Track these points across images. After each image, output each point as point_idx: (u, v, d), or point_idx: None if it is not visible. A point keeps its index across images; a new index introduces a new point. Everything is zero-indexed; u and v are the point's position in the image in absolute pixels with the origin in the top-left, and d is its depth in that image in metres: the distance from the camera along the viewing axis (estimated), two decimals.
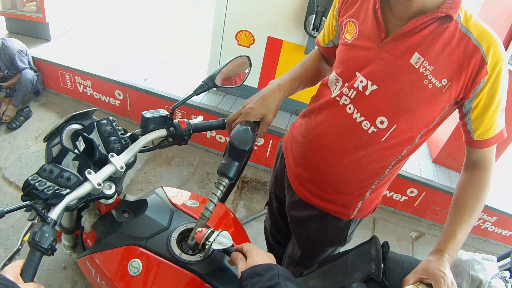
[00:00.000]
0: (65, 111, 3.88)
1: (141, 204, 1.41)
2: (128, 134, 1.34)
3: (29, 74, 3.68)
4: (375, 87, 1.09)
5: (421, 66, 1.03)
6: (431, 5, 1.00)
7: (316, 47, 1.48)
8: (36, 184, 1.05)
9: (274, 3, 2.69)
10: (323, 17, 2.45)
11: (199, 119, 1.48)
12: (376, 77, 1.09)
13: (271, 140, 3.06)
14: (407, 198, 2.95)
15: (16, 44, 3.63)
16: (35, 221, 1.01)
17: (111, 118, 1.31)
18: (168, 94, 3.29)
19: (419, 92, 1.05)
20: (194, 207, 1.43)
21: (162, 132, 1.33)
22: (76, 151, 1.22)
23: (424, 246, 3.05)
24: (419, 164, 3.02)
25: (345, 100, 1.16)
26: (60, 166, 1.13)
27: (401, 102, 1.07)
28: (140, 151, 1.29)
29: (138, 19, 5.20)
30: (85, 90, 3.72)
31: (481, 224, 3.08)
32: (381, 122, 1.11)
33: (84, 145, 1.24)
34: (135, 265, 1.20)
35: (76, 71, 3.63)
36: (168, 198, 1.46)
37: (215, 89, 3.25)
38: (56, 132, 1.25)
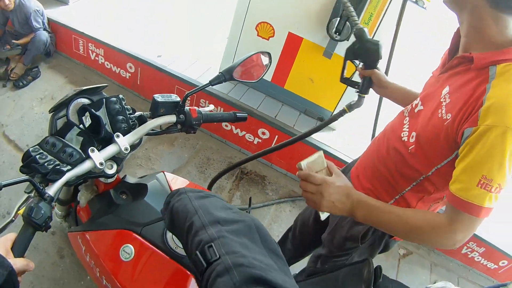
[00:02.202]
0: (74, 76, 3.86)
1: (141, 188, 1.40)
2: (136, 114, 1.31)
3: (43, 35, 3.64)
4: (421, 107, 1.21)
5: (444, 97, 1.09)
6: (478, 47, 1.04)
7: None
8: (37, 156, 1.03)
9: (300, 1, 2.64)
10: (347, 22, 2.39)
11: (210, 108, 1.46)
12: (424, 99, 1.22)
13: (277, 136, 3.03)
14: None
15: (33, 3, 3.59)
16: (32, 195, 1.00)
17: (121, 96, 1.28)
18: (180, 74, 3.23)
19: (432, 120, 1.10)
20: None
21: (172, 118, 1.30)
22: (81, 126, 1.20)
23: (410, 265, 3.04)
24: None
25: (405, 113, 1.31)
26: (63, 140, 1.10)
27: (425, 124, 1.13)
28: (147, 134, 1.27)
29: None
30: (97, 58, 3.68)
31: (469, 252, 3.07)
32: (412, 137, 1.18)
33: (90, 121, 1.22)
34: (127, 251, 1.19)
35: (90, 38, 3.59)
36: (169, 186, 1.44)
37: None
38: (63, 104, 1.22)
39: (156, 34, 3.94)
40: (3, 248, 0.84)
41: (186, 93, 1.25)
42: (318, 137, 2.96)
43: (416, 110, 1.23)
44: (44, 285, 2.25)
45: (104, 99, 1.25)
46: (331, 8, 2.51)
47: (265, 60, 1.41)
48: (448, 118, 1.02)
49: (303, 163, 1.14)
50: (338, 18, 2.46)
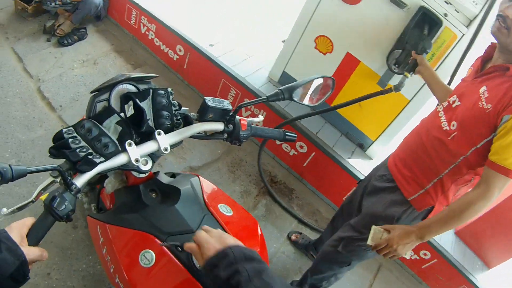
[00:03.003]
0: (121, 45, 3.80)
1: (173, 192, 1.31)
2: (182, 110, 1.23)
3: None
4: (459, 103, 1.55)
5: (483, 93, 1.43)
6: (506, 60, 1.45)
7: None
8: (70, 140, 0.97)
9: (366, 23, 2.53)
10: (407, 56, 2.30)
11: (260, 119, 1.38)
12: (461, 97, 1.56)
13: (314, 153, 2.96)
14: (418, 257, 2.86)
15: None
16: (58, 180, 0.92)
17: (169, 89, 1.21)
18: (229, 68, 3.15)
19: (473, 110, 1.43)
20: (227, 216, 1.35)
21: (219, 126, 1.23)
22: (122, 114, 1.13)
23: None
24: None
25: (439, 108, 1.67)
26: (100, 127, 1.04)
27: (466, 114, 1.46)
28: (190, 137, 1.20)
29: None
30: (147, 33, 3.62)
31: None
32: (453, 125, 1.52)
33: (133, 112, 1.14)
34: (148, 257, 1.14)
35: (144, 11, 3.52)
36: (202, 195, 1.37)
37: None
38: (107, 87, 1.15)
39: (213, 22, 3.83)
40: (18, 234, 0.80)
41: (240, 104, 1.19)
42: (355, 165, 2.88)
43: (453, 105, 1.57)
44: (51, 251, 2.23)
45: (151, 90, 1.17)
46: (395, 38, 2.43)
47: (328, 85, 1.36)
48: (489, 107, 1.37)
49: (369, 242, 1.54)
50: (401, 51, 2.36)
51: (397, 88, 2.22)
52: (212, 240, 0.89)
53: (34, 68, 3.29)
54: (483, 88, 1.44)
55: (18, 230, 0.80)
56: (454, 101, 1.58)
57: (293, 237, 2.78)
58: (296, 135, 1.41)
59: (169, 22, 3.41)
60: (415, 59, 2.07)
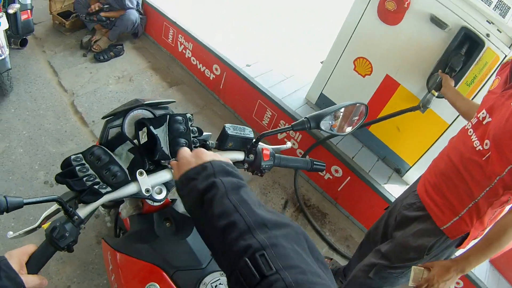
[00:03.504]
0: (157, 63, 3.82)
1: (188, 222, 1.24)
2: (204, 135, 1.17)
3: (133, 15, 3.63)
4: (490, 119, 1.44)
5: None
6: None
7: None
8: (77, 168, 0.94)
9: (406, 44, 2.49)
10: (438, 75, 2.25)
11: (287, 146, 1.32)
12: (491, 112, 1.46)
13: (349, 177, 2.90)
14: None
15: None
16: (61, 210, 0.90)
17: (188, 115, 1.16)
18: (265, 89, 3.13)
19: (507, 125, 1.33)
20: None
21: (240, 156, 1.16)
22: (135, 141, 1.10)
23: None
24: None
25: (469, 125, 1.56)
26: (111, 154, 1.02)
27: (499, 130, 1.36)
28: None
29: (267, 8, 4.90)
30: (184, 51, 3.64)
31: None
32: (486, 144, 1.41)
33: (146, 139, 1.09)
34: None
35: (182, 30, 3.55)
36: None
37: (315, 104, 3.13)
38: (121, 112, 1.12)
39: (250, 42, 3.85)
40: (18, 262, 0.79)
41: (262, 133, 1.10)
42: (391, 191, 2.82)
43: (484, 122, 1.47)
44: (74, 264, 2.23)
45: (168, 116, 1.12)
46: (436, 60, 2.36)
47: (360, 113, 1.21)
48: None
49: (411, 284, 1.54)
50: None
51: (424, 105, 2.22)
52: (193, 155, 0.83)
53: (69, 82, 3.34)
54: None
55: (18, 258, 0.80)
56: (484, 117, 1.48)
57: None
58: (324, 164, 1.31)
59: (206, 41, 3.43)
60: (441, 78, 2.11)
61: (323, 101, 3.09)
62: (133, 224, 1.28)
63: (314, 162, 1.27)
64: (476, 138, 1.47)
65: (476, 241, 1.50)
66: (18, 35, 3.15)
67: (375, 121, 2.54)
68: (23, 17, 3.02)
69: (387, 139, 2.95)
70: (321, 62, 3.09)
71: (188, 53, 3.61)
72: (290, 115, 2.99)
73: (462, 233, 1.57)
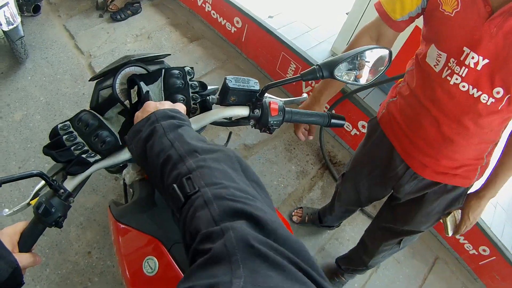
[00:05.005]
0: (177, 19, 3.72)
1: None
2: (209, 90, 1.07)
3: None
4: (486, 61, 1.08)
5: None
6: None
7: (375, 21, 1.31)
8: (65, 137, 0.88)
9: None
10: None
11: (302, 98, 1.20)
12: (487, 52, 1.07)
13: None
14: (476, 253, 2.60)
15: None
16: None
17: (187, 68, 1.05)
18: (289, 41, 2.94)
19: None
20: None
21: (244, 111, 1.03)
22: (127, 102, 1.01)
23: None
24: (503, 227, 2.63)
25: (456, 79, 1.15)
26: (100, 118, 0.95)
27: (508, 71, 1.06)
28: (211, 123, 1.04)
29: None
30: (204, 5, 3.52)
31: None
32: (498, 93, 1.11)
33: (137, 98, 0.98)
34: (151, 264, 1.03)
35: None
36: None
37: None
38: (110, 71, 1.03)
39: None
40: (10, 241, 0.78)
41: (268, 84, 0.94)
42: None
43: (479, 67, 1.10)
44: (94, 230, 2.22)
45: (163, 70, 1.02)
46: None
47: (381, 59, 0.99)
48: None
49: (450, 233, 1.47)
50: None
51: None
52: (141, 109, 0.82)
53: (86, 44, 3.27)
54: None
55: (9, 238, 0.79)
56: (476, 62, 1.09)
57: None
58: (344, 119, 1.15)
59: None
60: None
61: None
62: (136, 191, 1.22)
63: (332, 117, 1.12)
64: (481, 92, 1.13)
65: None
66: (30, 2, 3.14)
67: (403, 75, 2.32)
68: None
69: None
70: (347, 13, 2.90)
71: (208, 7, 3.48)
72: (295, 51, 2.87)
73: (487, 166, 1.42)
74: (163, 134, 0.70)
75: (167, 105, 0.82)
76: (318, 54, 2.98)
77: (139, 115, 0.80)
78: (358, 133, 2.84)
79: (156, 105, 0.81)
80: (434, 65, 1.21)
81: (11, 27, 2.56)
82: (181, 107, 0.85)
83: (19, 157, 2.44)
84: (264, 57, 3.26)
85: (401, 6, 1.21)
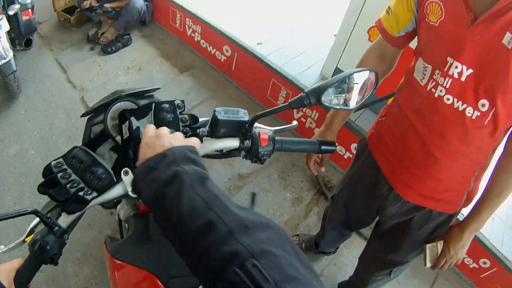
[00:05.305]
0: (167, 49, 3.75)
1: None
2: (200, 122, 1.06)
3: (138, 3, 3.57)
4: (470, 71, 1.04)
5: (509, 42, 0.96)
6: None
7: (378, 40, 1.34)
8: (59, 174, 0.85)
9: None
10: None
11: (293, 125, 1.18)
12: (470, 60, 1.03)
13: None
14: (477, 266, 2.59)
15: None
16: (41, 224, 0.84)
17: (177, 101, 1.03)
18: (278, 67, 2.96)
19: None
20: None
21: (234, 143, 1.01)
22: (118, 138, 0.98)
23: None
24: (502, 238, 2.62)
25: (441, 91, 1.11)
26: (93, 155, 0.92)
27: (498, 83, 1.01)
28: (202, 156, 1.01)
29: None
30: (193, 34, 3.55)
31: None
32: (483, 105, 1.06)
33: (128, 133, 0.96)
34: None
35: (189, 13, 3.46)
36: None
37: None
38: (101, 107, 1.02)
39: (260, 19, 3.71)
40: (7, 278, 0.76)
41: (256, 115, 0.93)
42: None
43: (463, 78, 1.05)
44: (91, 264, 2.18)
45: (153, 104, 1.01)
46: None
47: (369, 81, 0.98)
48: None
49: (429, 264, 1.38)
50: None
51: None
52: (153, 137, 0.78)
53: (78, 78, 3.29)
54: (508, 38, 0.95)
55: (6, 274, 0.77)
56: (460, 72, 1.06)
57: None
58: (335, 145, 1.14)
59: (214, 22, 3.31)
60: None
61: None
62: (131, 226, 1.20)
63: (322, 143, 1.12)
64: (466, 105, 1.08)
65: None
66: (22, 36, 3.16)
67: (393, 94, 2.32)
68: (25, 17, 3.02)
69: None
70: (334, 35, 2.92)
71: (197, 36, 3.51)
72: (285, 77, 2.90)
73: (477, 193, 1.34)
74: (191, 188, 0.64)
75: (180, 138, 0.78)
76: (308, 78, 3.00)
77: (147, 150, 0.76)
78: (351, 156, 2.83)
79: (170, 140, 0.76)
80: (421, 79, 1.18)
81: (3, 61, 2.58)
82: (196, 143, 0.81)
83: (14, 192, 2.43)
84: (254, 85, 3.27)
85: (396, 21, 1.22)
